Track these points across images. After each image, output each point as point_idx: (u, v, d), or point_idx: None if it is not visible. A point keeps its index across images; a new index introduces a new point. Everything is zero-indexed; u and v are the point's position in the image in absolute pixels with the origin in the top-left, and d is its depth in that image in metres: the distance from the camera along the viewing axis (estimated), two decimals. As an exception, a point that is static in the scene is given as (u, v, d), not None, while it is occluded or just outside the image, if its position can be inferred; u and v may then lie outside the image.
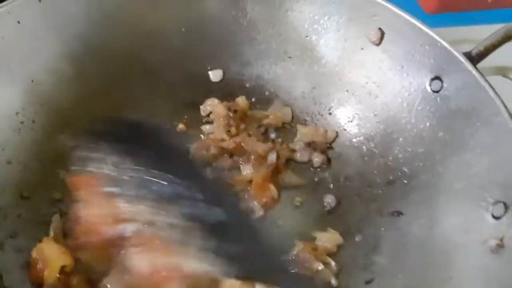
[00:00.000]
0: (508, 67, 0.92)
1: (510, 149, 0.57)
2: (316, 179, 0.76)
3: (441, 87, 0.67)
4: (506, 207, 0.55)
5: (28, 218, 0.67)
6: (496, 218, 0.56)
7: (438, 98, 0.67)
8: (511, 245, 0.53)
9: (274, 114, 0.82)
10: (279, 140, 0.80)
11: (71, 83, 0.77)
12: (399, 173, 0.70)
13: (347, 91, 0.79)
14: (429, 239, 0.62)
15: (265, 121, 0.81)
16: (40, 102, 0.74)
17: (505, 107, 0.60)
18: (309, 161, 0.77)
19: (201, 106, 0.83)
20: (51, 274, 0.62)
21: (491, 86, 0.62)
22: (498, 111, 0.60)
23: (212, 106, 0.83)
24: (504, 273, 0.52)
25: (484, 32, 0.66)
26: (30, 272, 0.63)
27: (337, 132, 0.79)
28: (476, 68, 0.64)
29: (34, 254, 0.64)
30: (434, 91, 0.68)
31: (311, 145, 0.78)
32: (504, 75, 0.92)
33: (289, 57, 0.83)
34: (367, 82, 0.76)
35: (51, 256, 0.63)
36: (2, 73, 0.71)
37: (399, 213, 0.67)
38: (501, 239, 0.53)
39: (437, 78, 0.68)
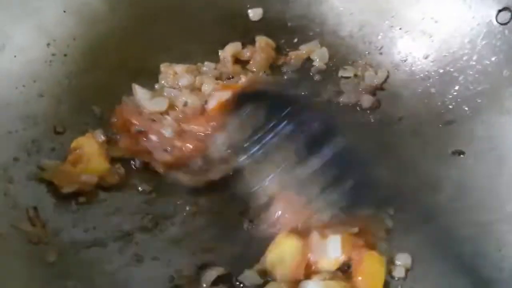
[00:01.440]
0: None
1: None
2: (364, 121, 0.71)
3: (510, 19, 0.62)
4: None
5: (62, 152, 0.64)
6: None
7: (506, 31, 0.62)
8: None
9: (296, 53, 0.77)
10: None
11: (103, 19, 0.73)
12: (459, 112, 0.65)
13: (400, 28, 0.73)
14: (498, 176, 0.57)
15: (281, 60, 0.77)
16: (72, 35, 0.70)
17: None
18: (357, 103, 0.73)
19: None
20: (83, 170, 0.60)
21: None
22: None
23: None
24: None
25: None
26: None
27: (388, 72, 0.73)
28: (552, -6, 0.58)
29: (73, 144, 0.63)
30: (501, 24, 0.63)
31: (359, 86, 0.73)
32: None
33: (335, -7, 0.78)
34: (423, 18, 0.71)
35: (88, 153, 0.62)
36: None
37: (461, 152, 0.63)
38: None
39: (505, 9, 0.62)
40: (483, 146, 0.61)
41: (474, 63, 0.65)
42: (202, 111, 0.67)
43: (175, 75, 0.73)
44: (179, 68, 0.74)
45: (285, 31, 0.80)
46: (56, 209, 0.60)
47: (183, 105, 0.66)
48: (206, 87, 0.69)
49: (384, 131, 0.70)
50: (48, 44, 0.68)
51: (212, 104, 0.66)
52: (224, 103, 0.66)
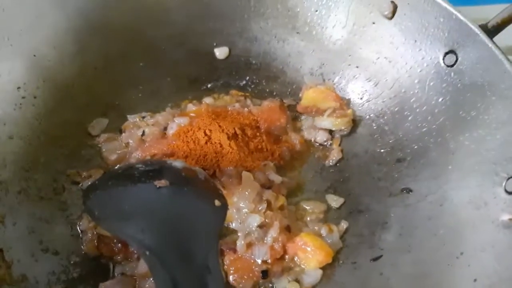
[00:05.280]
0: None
1: (527, 123, 0.55)
2: (321, 156, 0.75)
3: (456, 61, 0.65)
4: (520, 182, 0.53)
5: (30, 193, 0.66)
6: (510, 193, 0.54)
7: (452, 73, 0.65)
8: (526, 221, 0.51)
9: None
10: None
11: (73, 59, 0.76)
12: (409, 150, 0.68)
13: (357, 67, 0.77)
14: (440, 216, 0.60)
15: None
16: (42, 78, 0.73)
17: (522, 80, 0.57)
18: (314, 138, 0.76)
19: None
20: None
21: (508, 59, 0.59)
22: (515, 84, 0.57)
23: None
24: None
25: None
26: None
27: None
28: (492, 41, 0.61)
29: None
30: (448, 66, 0.66)
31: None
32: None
33: (298, 33, 0.81)
34: (378, 58, 0.74)
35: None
36: (3, 46, 0.69)
37: (409, 190, 0.66)
38: (515, 214, 0.52)
39: (451, 52, 0.65)
40: (428, 186, 0.64)
41: (422, 103, 0.68)
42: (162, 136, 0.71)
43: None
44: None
45: (249, 69, 0.83)
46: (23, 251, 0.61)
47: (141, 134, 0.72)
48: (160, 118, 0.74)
49: (338, 166, 0.73)
50: (19, 88, 0.70)
51: (172, 129, 0.71)
52: (184, 129, 0.70)
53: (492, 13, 0.63)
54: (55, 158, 0.71)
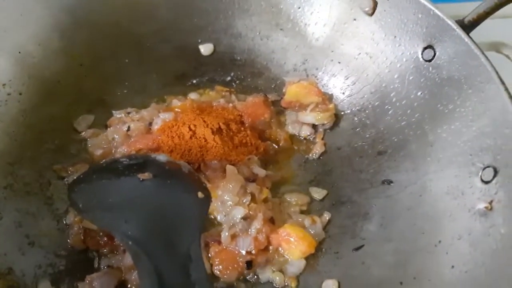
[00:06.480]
0: (501, 42, 0.91)
1: (501, 114, 0.56)
2: (304, 149, 0.76)
3: (433, 56, 0.66)
4: (495, 171, 0.55)
5: (16, 188, 0.66)
6: (486, 182, 0.55)
7: (430, 67, 0.67)
8: (499, 208, 0.53)
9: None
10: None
11: (58, 56, 0.76)
12: (390, 143, 0.70)
13: (339, 62, 0.78)
14: (419, 206, 0.62)
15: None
16: (27, 74, 0.73)
17: (497, 73, 0.59)
18: (298, 133, 0.78)
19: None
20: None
21: (483, 53, 0.61)
22: (489, 77, 0.59)
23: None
24: (490, 234, 0.52)
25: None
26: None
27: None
28: (469, 36, 0.63)
29: None
30: (426, 60, 0.67)
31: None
32: (498, 51, 0.92)
33: (281, 29, 0.82)
34: (359, 53, 0.76)
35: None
36: (-12, 44, 0.70)
37: (390, 182, 0.67)
38: (490, 202, 0.53)
39: (429, 47, 0.67)
40: (408, 177, 0.65)
41: (402, 97, 0.70)
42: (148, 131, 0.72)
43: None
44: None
45: (234, 65, 0.84)
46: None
47: (127, 130, 0.72)
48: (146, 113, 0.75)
49: (321, 160, 0.75)
50: (4, 85, 0.70)
51: (157, 124, 0.71)
52: (168, 124, 0.71)
53: (470, 10, 0.65)
54: (41, 153, 0.71)
